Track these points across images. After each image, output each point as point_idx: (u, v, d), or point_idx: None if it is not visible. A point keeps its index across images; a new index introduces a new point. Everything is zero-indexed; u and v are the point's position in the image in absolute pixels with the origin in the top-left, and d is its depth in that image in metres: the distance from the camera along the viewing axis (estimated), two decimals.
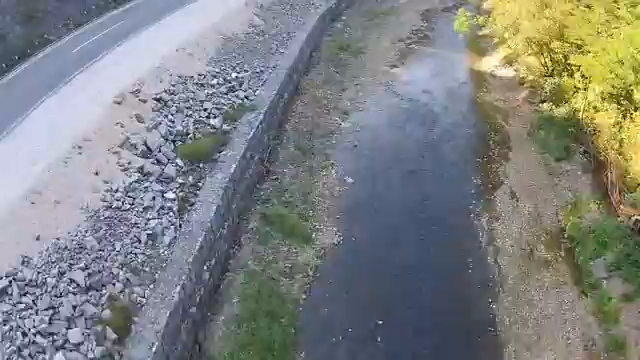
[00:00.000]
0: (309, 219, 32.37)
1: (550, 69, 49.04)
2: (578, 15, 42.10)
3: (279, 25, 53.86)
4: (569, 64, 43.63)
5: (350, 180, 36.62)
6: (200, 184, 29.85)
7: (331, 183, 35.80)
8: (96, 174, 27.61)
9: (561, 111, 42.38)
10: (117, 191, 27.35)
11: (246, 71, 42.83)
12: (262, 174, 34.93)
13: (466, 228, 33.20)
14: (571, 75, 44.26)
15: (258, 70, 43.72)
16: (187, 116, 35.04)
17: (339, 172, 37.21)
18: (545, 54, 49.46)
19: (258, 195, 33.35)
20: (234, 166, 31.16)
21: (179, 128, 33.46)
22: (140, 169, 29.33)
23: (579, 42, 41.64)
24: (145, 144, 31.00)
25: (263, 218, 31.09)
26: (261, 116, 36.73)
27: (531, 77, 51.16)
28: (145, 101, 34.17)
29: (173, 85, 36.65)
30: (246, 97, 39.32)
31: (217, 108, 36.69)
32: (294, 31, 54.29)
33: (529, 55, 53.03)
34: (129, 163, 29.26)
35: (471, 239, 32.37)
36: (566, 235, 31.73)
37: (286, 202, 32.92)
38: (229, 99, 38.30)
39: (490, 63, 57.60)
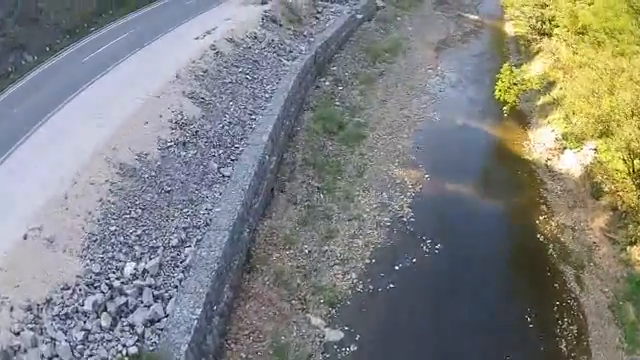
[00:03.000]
0: None
1: None
2: None
3: (229, 109, 33.45)
4: None
5: None
6: None
7: None
8: None
9: None
10: None
11: (154, 250, 23.04)
12: None
13: None
14: None
15: (176, 241, 23.82)
16: None
17: None
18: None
19: None
20: None
21: None
22: None
23: None
24: None
25: None
26: None
27: (612, 188, 30.86)
28: None
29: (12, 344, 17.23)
30: (150, 323, 20.10)
31: None
32: (254, 116, 33.93)
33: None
34: None
35: None
36: None
37: None
38: (116, 344, 19.10)
39: (542, 144, 38.10)
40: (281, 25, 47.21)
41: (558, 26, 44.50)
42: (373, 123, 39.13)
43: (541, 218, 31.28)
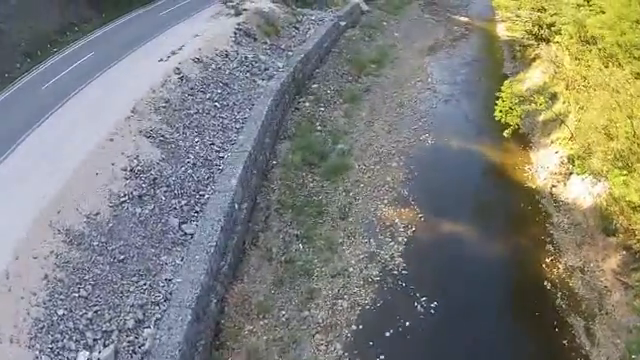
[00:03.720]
0: None
1: None
2: None
3: (194, 147, 30.47)
4: None
5: None
6: None
7: None
8: None
9: None
10: None
11: (108, 335, 20.61)
12: None
13: None
14: None
15: (132, 322, 21.19)
16: None
17: None
18: None
19: None
20: None
21: None
22: None
23: None
24: None
25: None
26: None
27: (625, 223, 28.05)
28: None
29: None
30: None
31: None
32: (222, 153, 30.97)
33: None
34: None
35: None
36: None
37: None
38: None
39: (545, 167, 35.34)
40: (256, 39, 44.13)
41: (560, 33, 41.60)
42: (359, 150, 36.18)
43: (547, 260, 28.66)
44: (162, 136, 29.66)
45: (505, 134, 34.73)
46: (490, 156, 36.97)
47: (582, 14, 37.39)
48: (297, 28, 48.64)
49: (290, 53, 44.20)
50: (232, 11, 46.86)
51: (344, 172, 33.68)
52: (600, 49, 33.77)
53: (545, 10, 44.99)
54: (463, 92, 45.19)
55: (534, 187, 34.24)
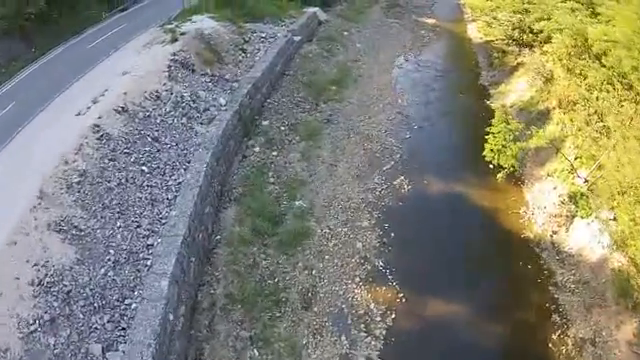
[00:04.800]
0: None
1: None
2: None
3: (115, 235, 25.28)
4: None
5: None
6: None
7: None
8: None
9: None
10: None
11: None
12: None
13: None
14: None
15: None
16: None
17: None
18: None
19: None
20: None
21: None
22: None
23: None
24: None
25: None
26: None
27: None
28: None
29: None
30: None
31: None
32: (150, 239, 25.88)
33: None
34: None
35: None
36: None
37: None
38: None
39: (542, 208, 31.99)
40: (194, 70, 38.99)
41: (550, 41, 37.20)
42: (321, 207, 31.58)
43: (554, 337, 25.43)
44: (76, 227, 24.54)
45: (498, 178, 30.47)
46: (478, 199, 32.84)
47: (579, 20, 32.97)
48: (244, 50, 43.47)
49: (235, 84, 39.18)
50: (168, 36, 41.46)
51: (304, 240, 29.05)
52: (609, 68, 29.39)
53: (528, 12, 40.53)
54: (438, 113, 40.98)
55: (532, 236, 30.63)
